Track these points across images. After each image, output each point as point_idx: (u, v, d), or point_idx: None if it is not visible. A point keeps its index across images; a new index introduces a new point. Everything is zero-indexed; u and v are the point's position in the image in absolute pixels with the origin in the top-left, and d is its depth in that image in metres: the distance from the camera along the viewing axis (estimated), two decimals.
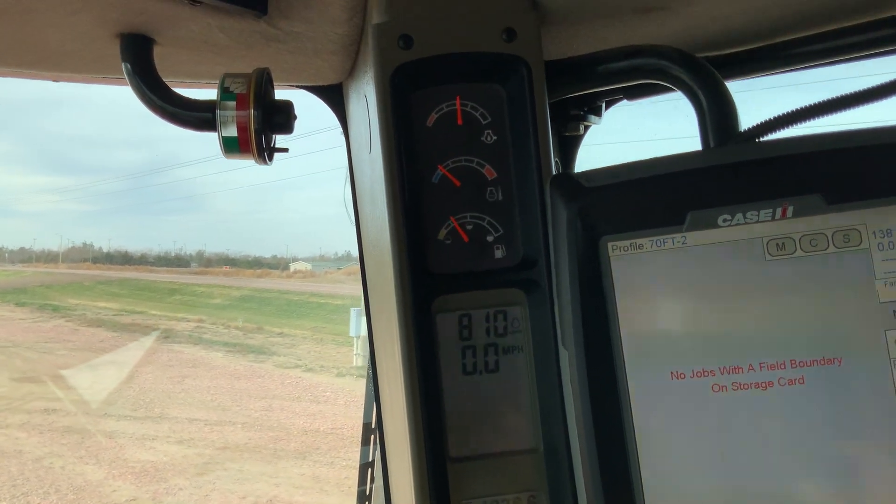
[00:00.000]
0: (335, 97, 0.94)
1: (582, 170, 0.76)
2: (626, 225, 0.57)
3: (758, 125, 0.59)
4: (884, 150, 0.54)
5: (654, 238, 0.57)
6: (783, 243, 0.55)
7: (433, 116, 0.66)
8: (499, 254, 0.66)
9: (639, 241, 0.57)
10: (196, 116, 0.76)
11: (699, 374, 0.56)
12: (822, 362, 0.54)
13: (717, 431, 0.55)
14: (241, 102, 0.75)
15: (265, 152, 0.78)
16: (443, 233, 0.66)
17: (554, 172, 0.64)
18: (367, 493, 1.48)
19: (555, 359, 0.63)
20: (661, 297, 0.57)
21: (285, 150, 0.82)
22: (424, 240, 0.64)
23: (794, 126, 0.59)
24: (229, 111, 0.75)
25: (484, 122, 0.67)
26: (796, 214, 0.55)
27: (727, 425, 0.55)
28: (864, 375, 0.53)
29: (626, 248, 0.57)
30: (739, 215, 0.56)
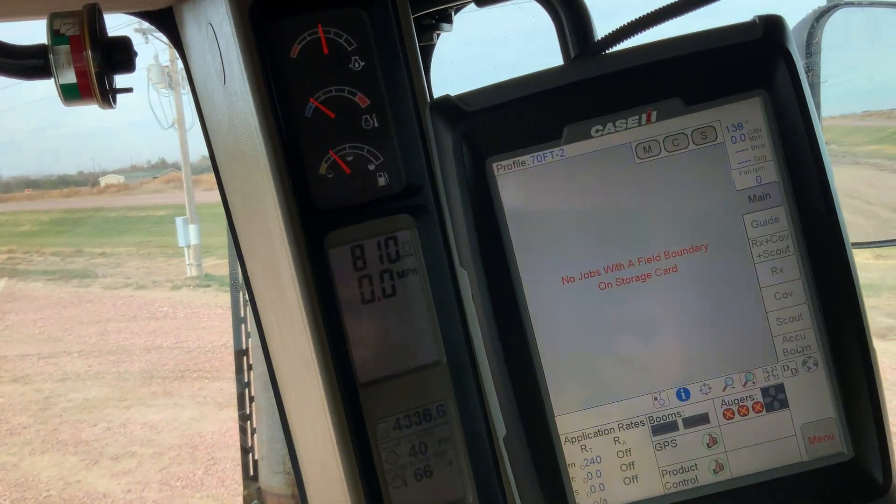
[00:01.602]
0: (167, 22, 0.88)
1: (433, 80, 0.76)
2: (508, 144, 0.59)
3: (611, 33, 0.62)
4: (731, 50, 0.59)
5: (536, 154, 0.60)
6: (649, 146, 0.60)
7: (296, 48, 0.64)
8: (382, 181, 0.67)
9: (521, 158, 0.60)
10: (23, 64, 0.70)
11: (586, 276, 0.60)
12: (692, 250, 0.60)
13: (607, 324, 0.60)
14: (76, 45, 0.69)
15: (109, 95, 0.73)
16: (323, 167, 0.66)
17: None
18: (248, 413, 1.49)
19: (449, 277, 0.65)
20: (546, 208, 0.60)
21: (129, 90, 0.77)
22: (306, 177, 0.64)
23: (644, 31, 0.62)
24: (64, 56, 0.69)
25: (350, 49, 0.66)
26: (659, 118, 0.59)
27: (615, 317, 0.60)
28: (727, 256, 0.60)
29: (509, 167, 0.60)
30: (610, 125, 0.59)
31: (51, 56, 0.69)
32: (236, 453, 8.08)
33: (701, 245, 0.60)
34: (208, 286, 16.42)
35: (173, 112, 18.48)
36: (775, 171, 0.60)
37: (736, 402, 0.61)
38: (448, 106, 0.60)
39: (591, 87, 0.59)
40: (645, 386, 0.61)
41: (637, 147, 0.60)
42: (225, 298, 15.30)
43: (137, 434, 8.63)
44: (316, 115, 0.66)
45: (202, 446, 8.40)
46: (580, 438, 0.61)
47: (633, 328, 0.61)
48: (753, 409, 0.61)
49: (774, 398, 0.60)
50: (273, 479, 1.41)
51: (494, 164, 0.60)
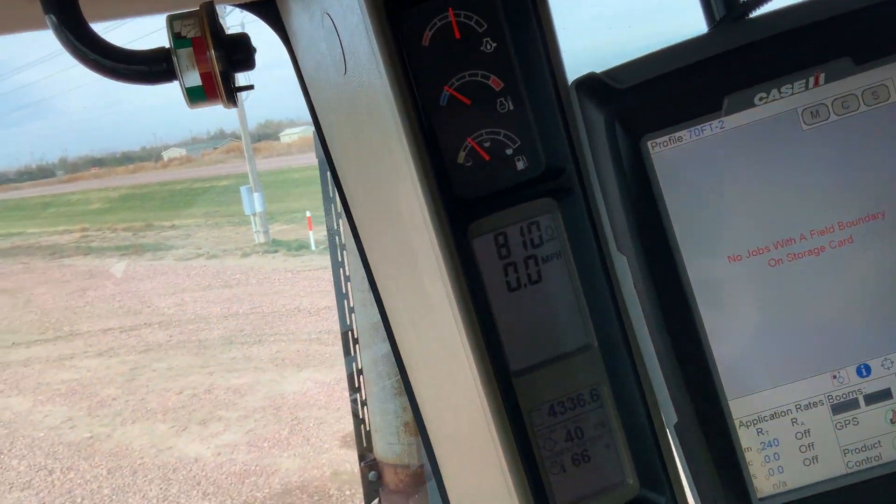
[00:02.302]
0: (271, 12, 0.86)
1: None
2: (663, 121, 0.56)
3: None
4: None
5: (693, 128, 0.56)
6: (817, 110, 0.56)
7: (427, 34, 0.62)
8: (520, 165, 0.65)
9: (678, 133, 0.57)
10: (145, 70, 0.69)
11: (755, 253, 0.57)
12: (868, 219, 0.56)
13: (779, 302, 0.57)
14: (199, 47, 0.68)
15: (233, 94, 0.72)
16: (461, 155, 0.64)
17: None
18: (357, 385, 1.50)
19: (597, 258, 0.63)
20: (707, 185, 0.57)
21: (250, 87, 0.75)
22: (445, 166, 0.62)
23: None
24: (187, 59, 0.68)
25: (481, 30, 0.63)
26: (828, 80, 0.55)
27: (787, 294, 0.57)
28: None
29: (665, 144, 0.57)
30: (775, 91, 0.56)
31: (174, 59, 0.68)
32: (318, 412, 8.27)
33: (877, 213, 0.56)
34: (276, 252, 16.71)
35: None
36: None
37: None
38: (597, 84, 0.57)
39: (753, 53, 0.56)
40: (823, 364, 0.58)
41: (804, 112, 0.56)
42: (294, 262, 15.56)
43: (222, 399, 8.90)
44: (451, 102, 0.63)
45: (285, 407, 8.61)
46: (756, 422, 0.59)
47: (807, 304, 0.58)
48: None
49: None
50: (388, 450, 1.43)
51: (649, 142, 0.57)
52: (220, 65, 0.69)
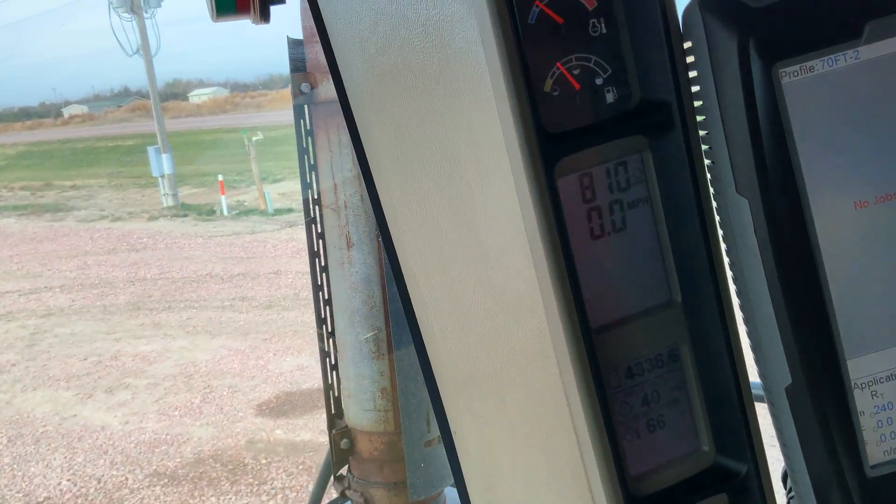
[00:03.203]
0: None
1: None
2: (799, 47, 0.50)
3: None
4: None
5: (828, 56, 0.50)
6: None
7: None
8: (610, 97, 0.57)
9: (811, 62, 0.51)
10: None
11: (882, 199, 0.52)
12: None
13: None
14: None
15: (266, 7, 0.62)
16: (548, 83, 0.56)
17: None
18: (328, 349, 1.41)
19: (694, 206, 0.57)
20: (839, 121, 0.51)
21: (283, 0, 0.65)
22: (533, 95, 0.54)
23: None
24: None
25: None
26: None
27: None
28: None
29: (796, 73, 0.51)
30: None
31: None
32: (232, 380, 8.08)
33: None
34: (186, 216, 16.21)
35: (137, 38, 17.78)
36: None
37: None
38: (729, 3, 0.50)
39: None
40: None
41: None
42: (206, 227, 15.12)
43: (130, 366, 8.60)
44: (541, 19, 0.55)
45: (197, 375, 8.40)
46: (871, 384, 0.54)
47: None
48: None
49: None
50: (363, 416, 1.35)
51: (781, 71, 0.50)
52: None
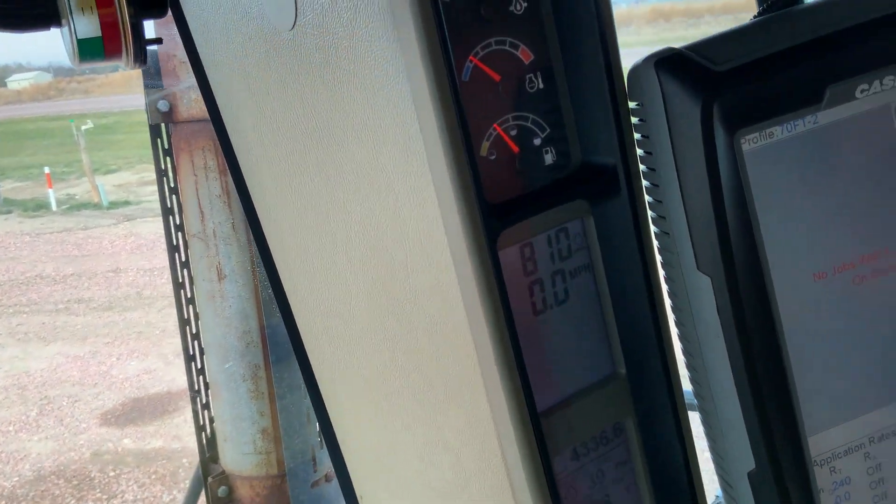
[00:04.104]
0: None
1: None
2: (762, 113, 0.46)
3: None
4: None
5: (788, 123, 0.47)
6: None
7: None
8: (548, 159, 0.52)
9: (771, 129, 0.47)
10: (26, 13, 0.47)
11: (840, 270, 0.49)
12: None
13: (861, 324, 0.50)
14: None
15: (142, 50, 0.52)
16: (485, 146, 0.50)
17: None
18: (198, 388, 1.30)
19: (640, 274, 0.53)
20: (798, 191, 0.48)
21: (158, 41, 0.55)
22: (471, 159, 0.48)
23: None
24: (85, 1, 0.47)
25: None
26: None
27: (870, 315, 0.50)
28: None
29: (755, 140, 0.47)
30: (877, 83, 0.48)
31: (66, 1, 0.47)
32: (72, 389, 7.58)
33: None
34: (9, 212, 15.02)
35: None
36: None
37: None
38: (688, 64, 0.46)
39: (862, 36, 0.47)
40: None
41: None
42: (33, 224, 14.07)
43: None
44: (475, 76, 0.49)
45: (31, 386, 7.84)
46: (830, 459, 0.51)
47: (887, 327, 0.51)
48: None
49: None
50: (243, 460, 1.25)
51: (743, 139, 0.46)
52: (130, 10, 0.49)
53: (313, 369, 0.72)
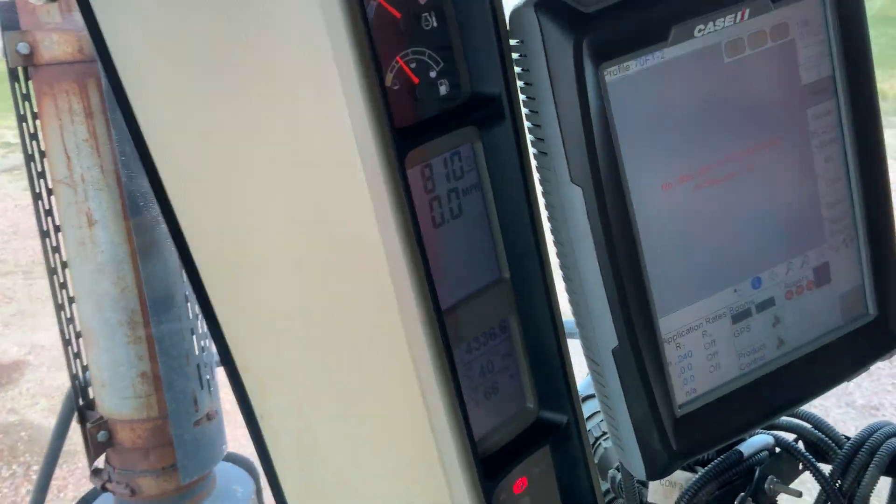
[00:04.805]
0: None
1: None
2: (619, 49, 0.56)
3: None
4: None
5: (640, 57, 0.57)
6: (736, 44, 0.60)
7: None
8: (443, 90, 0.59)
9: (627, 62, 0.56)
10: None
11: (682, 179, 0.60)
12: (766, 146, 0.62)
13: (698, 225, 0.62)
14: None
15: None
16: (389, 77, 0.56)
17: None
18: (75, 351, 1.29)
19: (522, 192, 0.61)
20: (647, 115, 0.58)
21: None
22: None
23: None
24: None
25: None
26: (750, 16, 0.59)
27: (704, 218, 0.62)
28: (794, 150, 0.63)
29: (615, 73, 0.56)
30: (711, 24, 0.58)
31: None
32: None
33: (774, 140, 0.63)
34: None
35: None
36: (830, 66, 0.63)
37: (794, 283, 0.66)
38: (561, 6, 0.54)
39: None
40: (727, 280, 0.64)
41: (727, 46, 0.59)
42: None
43: None
44: (379, 14, 0.55)
45: None
46: (675, 337, 0.63)
47: (719, 227, 0.62)
48: (807, 286, 0.67)
49: (821, 275, 0.67)
50: (122, 404, 1.26)
51: (606, 71, 0.56)
52: None
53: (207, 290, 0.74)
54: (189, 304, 1.26)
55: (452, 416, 0.60)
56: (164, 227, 1.21)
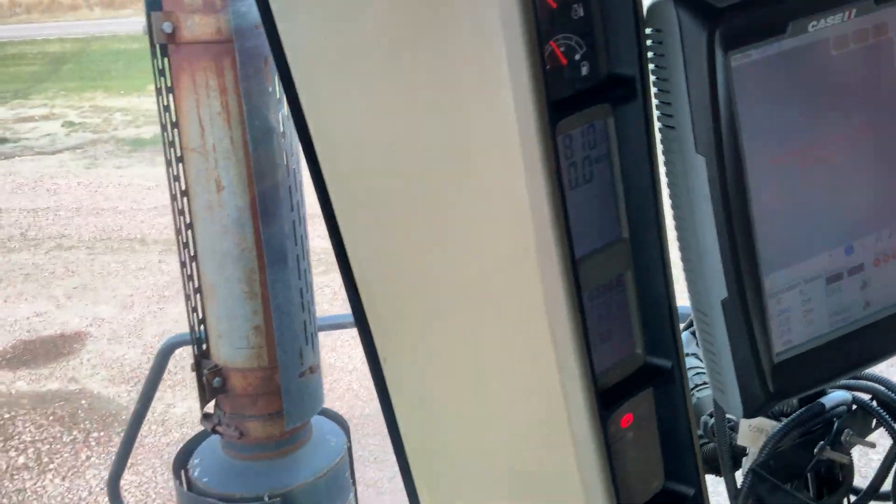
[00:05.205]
0: None
1: None
2: (744, 39, 0.65)
3: None
4: None
5: (762, 47, 0.66)
6: (842, 39, 0.69)
7: None
8: (584, 71, 0.69)
9: (750, 51, 0.66)
10: None
11: (791, 155, 0.70)
12: (865, 130, 0.71)
13: (802, 197, 0.71)
14: None
15: None
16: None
17: None
18: (193, 305, 1.42)
19: (647, 162, 0.71)
20: (765, 96, 0.68)
21: None
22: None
23: None
24: None
25: None
26: (856, 15, 0.68)
27: (808, 191, 0.71)
28: (890, 134, 0.72)
29: (739, 59, 0.66)
30: (822, 21, 0.67)
31: None
32: None
33: (873, 124, 0.72)
34: None
35: None
36: None
37: (882, 252, 0.75)
38: (698, 2, 0.64)
39: None
40: (824, 246, 0.73)
41: (834, 40, 0.69)
42: None
43: None
44: (540, 5, 0.65)
45: None
46: (777, 293, 0.72)
47: (819, 198, 0.72)
48: (893, 256, 0.76)
49: None
50: (236, 354, 1.38)
51: (733, 58, 0.65)
52: None
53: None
54: (299, 265, 1.39)
55: (579, 353, 0.70)
56: (282, 193, 1.34)
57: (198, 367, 1.42)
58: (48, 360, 7.02)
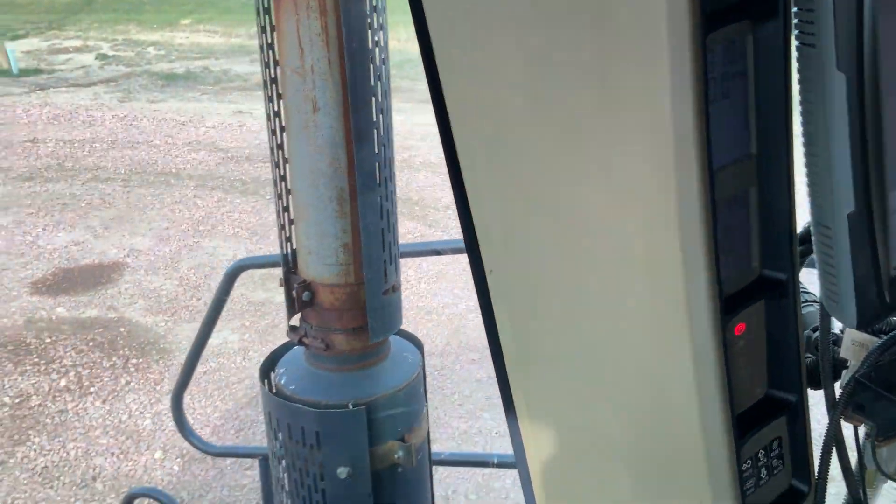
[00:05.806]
0: None
1: None
2: None
3: None
4: None
5: None
6: None
7: None
8: None
9: None
10: None
11: None
12: None
13: None
14: None
15: None
16: None
17: None
18: (285, 206, 1.47)
19: (781, 80, 0.74)
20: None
21: None
22: None
23: None
24: None
25: None
26: None
27: None
28: None
29: None
30: None
31: None
32: None
33: None
34: None
35: None
36: None
37: None
38: None
39: None
40: None
41: None
42: None
43: None
44: None
45: None
46: None
47: None
48: None
49: None
50: (325, 270, 1.44)
51: None
52: None
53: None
54: (387, 187, 1.43)
55: (708, 261, 0.75)
56: (374, 116, 1.37)
57: (287, 281, 1.48)
58: (87, 289, 7.18)
